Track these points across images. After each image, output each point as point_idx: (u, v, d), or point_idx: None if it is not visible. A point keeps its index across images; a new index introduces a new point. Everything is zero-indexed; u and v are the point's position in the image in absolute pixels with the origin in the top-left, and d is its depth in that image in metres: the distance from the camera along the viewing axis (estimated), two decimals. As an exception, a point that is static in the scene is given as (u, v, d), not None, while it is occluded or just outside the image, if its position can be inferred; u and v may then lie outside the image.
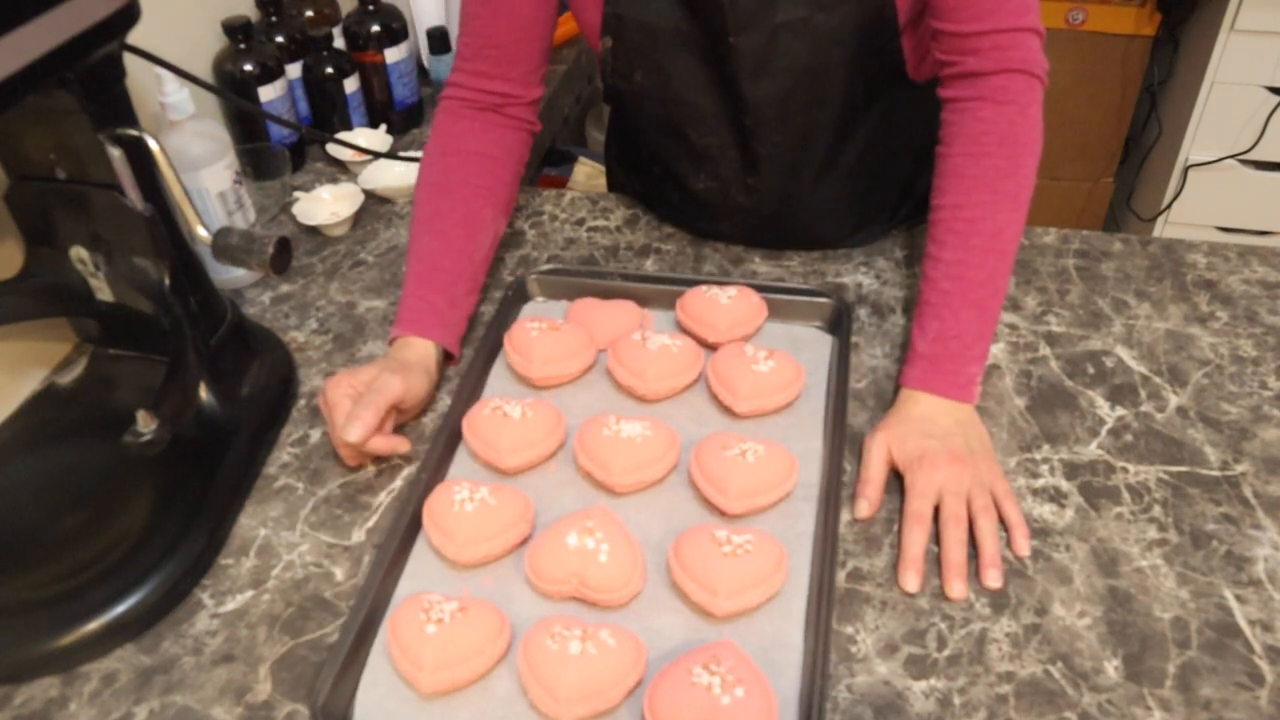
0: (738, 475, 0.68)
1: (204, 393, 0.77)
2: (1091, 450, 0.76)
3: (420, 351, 0.80)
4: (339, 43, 1.21)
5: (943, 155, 0.79)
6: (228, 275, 0.93)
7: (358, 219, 1.05)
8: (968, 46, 0.76)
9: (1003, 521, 0.70)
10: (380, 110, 1.23)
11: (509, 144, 0.91)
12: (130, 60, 0.71)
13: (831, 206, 0.94)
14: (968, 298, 0.76)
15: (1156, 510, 0.71)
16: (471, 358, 0.84)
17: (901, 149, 0.94)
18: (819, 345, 0.84)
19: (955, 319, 0.76)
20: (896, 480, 0.73)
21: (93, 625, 0.64)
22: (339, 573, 0.69)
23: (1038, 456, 0.76)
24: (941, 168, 0.79)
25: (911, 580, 0.66)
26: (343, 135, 1.14)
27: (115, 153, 0.69)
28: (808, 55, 0.80)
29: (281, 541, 0.71)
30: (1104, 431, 0.77)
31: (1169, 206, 2.08)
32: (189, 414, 0.75)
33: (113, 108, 0.69)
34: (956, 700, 0.60)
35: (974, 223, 0.76)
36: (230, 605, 0.67)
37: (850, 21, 0.79)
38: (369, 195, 1.08)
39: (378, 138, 1.18)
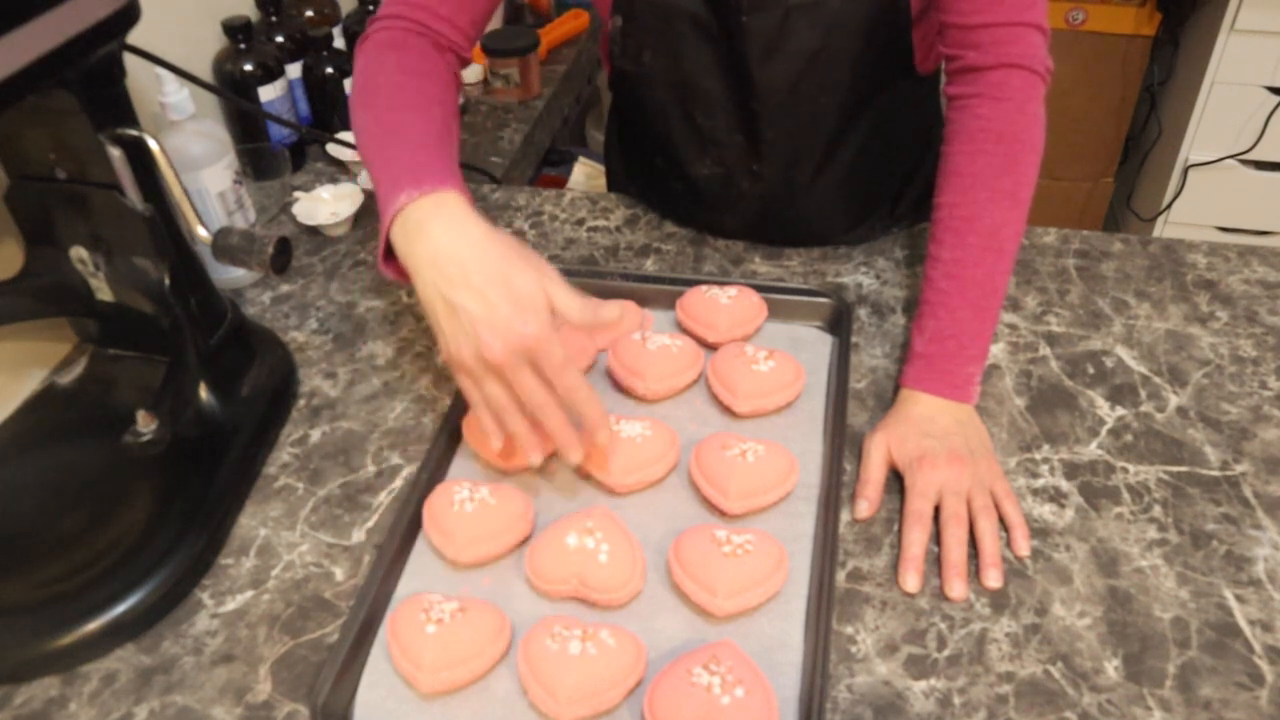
0: (738, 475, 0.68)
1: (204, 393, 0.77)
2: (1091, 450, 0.76)
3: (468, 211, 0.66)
4: (339, 43, 1.21)
5: (944, 154, 0.79)
6: (228, 275, 0.93)
7: (358, 219, 1.05)
8: (969, 40, 0.76)
9: (1003, 521, 0.70)
10: (380, 110, 1.23)
11: (450, 82, 0.81)
12: (130, 60, 0.71)
13: (832, 198, 0.94)
14: (965, 297, 0.76)
15: (1156, 510, 0.71)
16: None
17: (902, 141, 0.94)
18: (819, 345, 0.84)
19: (952, 318, 0.76)
20: (896, 480, 0.73)
21: (93, 625, 0.63)
22: (339, 573, 0.69)
23: (1038, 456, 0.76)
24: (941, 166, 0.79)
25: (911, 580, 0.66)
26: (343, 135, 1.14)
27: (115, 153, 0.69)
28: (818, 39, 0.80)
29: (281, 541, 0.71)
30: (1104, 431, 0.77)
31: (1169, 206, 2.08)
32: (189, 414, 0.75)
33: (113, 108, 0.69)
34: (956, 700, 0.60)
35: (970, 221, 0.76)
36: (230, 605, 0.67)
37: (863, 8, 0.79)
38: (369, 195, 1.08)
39: (378, 138, 1.17)
